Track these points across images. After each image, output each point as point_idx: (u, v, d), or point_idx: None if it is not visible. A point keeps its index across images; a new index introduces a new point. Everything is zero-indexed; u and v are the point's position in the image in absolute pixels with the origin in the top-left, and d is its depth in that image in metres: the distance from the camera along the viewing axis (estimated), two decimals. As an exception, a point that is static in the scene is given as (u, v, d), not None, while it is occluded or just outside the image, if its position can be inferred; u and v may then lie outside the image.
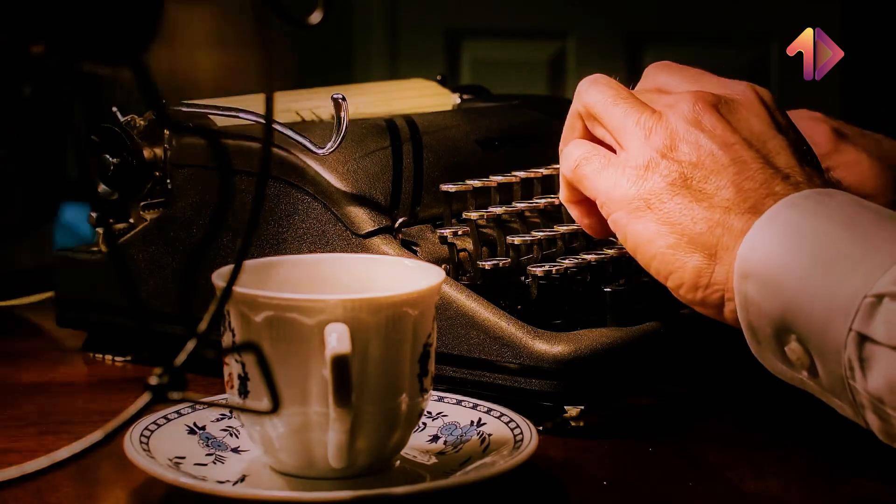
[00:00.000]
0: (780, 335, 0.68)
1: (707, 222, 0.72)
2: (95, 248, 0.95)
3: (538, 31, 2.70)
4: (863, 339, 0.64)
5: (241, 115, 0.89)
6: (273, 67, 0.51)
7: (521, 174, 0.92)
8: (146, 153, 0.90)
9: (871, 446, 0.67)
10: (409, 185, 0.88)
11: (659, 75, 0.82)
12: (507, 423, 0.71)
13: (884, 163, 0.91)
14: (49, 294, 1.04)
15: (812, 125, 0.92)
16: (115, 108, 0.91)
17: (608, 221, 0.77)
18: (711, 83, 0.79)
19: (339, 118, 0.84)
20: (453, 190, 0.87)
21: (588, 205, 0.80)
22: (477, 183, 0.89)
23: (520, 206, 0.89)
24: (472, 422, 0.72)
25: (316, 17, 0.53)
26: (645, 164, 0.74)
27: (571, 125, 0.81)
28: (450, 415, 0.73)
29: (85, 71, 0.48)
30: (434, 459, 0.70)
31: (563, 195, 0.82)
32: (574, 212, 0.82)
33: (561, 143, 0.82)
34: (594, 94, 0.79)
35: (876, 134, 0.95)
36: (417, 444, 0.71)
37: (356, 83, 1.12)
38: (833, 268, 0.65)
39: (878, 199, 0.90)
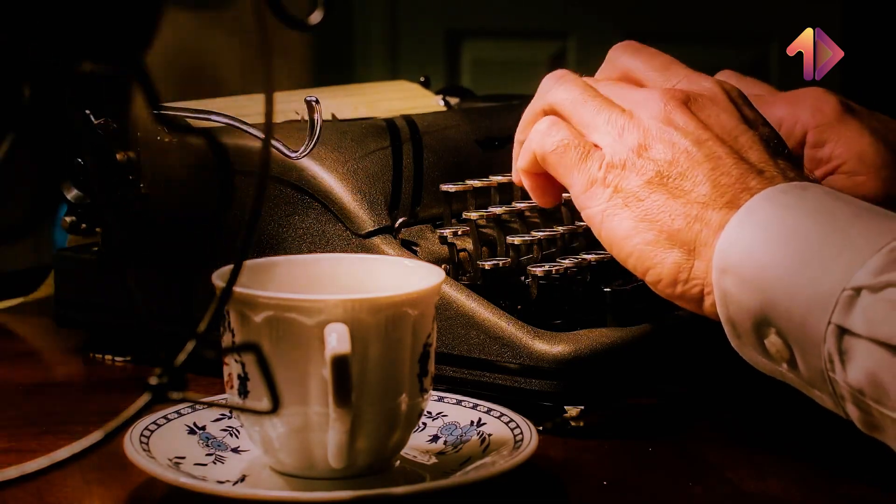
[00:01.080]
0: (760, 329, 0.68)
1: (685, 218, 0.72)
2: (95, 248, 0.95)
3: (538, 31, 2.70)
4: (842, 332, 0.64)
5: (212, 117, 0.87)
6: (272, 67, 0.51)
7: (521, 174, 0.92)
8: (119, 156, 0.90)
9: (870, 446, 0.67)
10: (409, 185, 0.88)
11: (623, 58, 0.81)
12: (507, 423, 0.71)
13: (885, 141, 0.91)
14: (48, 293, 1.04)
15: (821, 95, 0.92)
16: (87, 111, 0.90)
17: (582, 215, 0.76)
18: (678, 73, 0.78)
19: (312, 121, 0.83)
20: (453, 190, 0.87)
21: (544, 178, 0.79)
22: (477, 183, 0.89)
23: (520, 206, 0.89)
24: (472, 422, 0.72)
25: (316, 17, 0.53)
26: (621, 163, 0.74)
27: (531, 122, 0.80)
28: (450, 415, 0.73)
29: (83, 71, 0.48)
30: (434, 459, 0.70)
31: (522, 163, 0.80)
32: (527, 181, 0.81)
33: (518, 134, 0.81)
34: (561, 93, 0.78)
35: (884, 116, 0.95)
36: (417, 444, 0.71)
37: (357, 83, 1.12)
38: (811, 262, 0.65)
39: (873, 175, 0.90)
